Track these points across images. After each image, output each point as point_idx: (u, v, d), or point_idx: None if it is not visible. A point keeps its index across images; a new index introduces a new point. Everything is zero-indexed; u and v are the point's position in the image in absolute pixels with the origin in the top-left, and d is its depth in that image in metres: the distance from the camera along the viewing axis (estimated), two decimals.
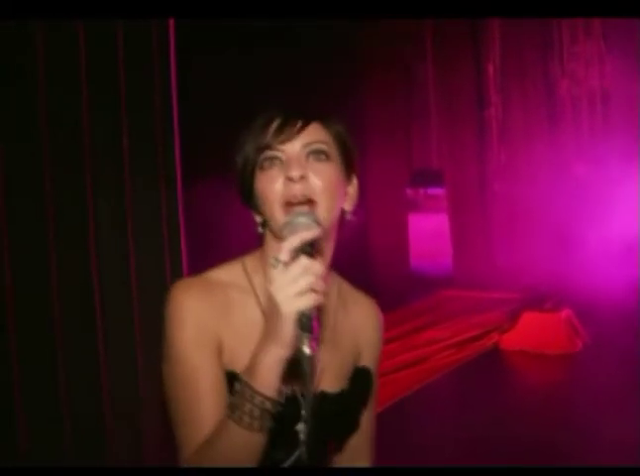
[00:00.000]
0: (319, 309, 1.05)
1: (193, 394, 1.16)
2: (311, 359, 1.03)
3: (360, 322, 1.37)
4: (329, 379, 1.26)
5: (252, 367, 1.07)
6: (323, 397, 1.24)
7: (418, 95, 7.75)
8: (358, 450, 1.40)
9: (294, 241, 1.04)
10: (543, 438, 3.95)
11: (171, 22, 3.19)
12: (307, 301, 1.01)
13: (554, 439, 3.92)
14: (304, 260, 1.02)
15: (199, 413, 1.15)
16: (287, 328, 1.02)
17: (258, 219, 1.26)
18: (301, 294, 1.01)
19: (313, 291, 1.02)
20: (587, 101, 7.36)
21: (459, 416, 4.46)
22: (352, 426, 1.33)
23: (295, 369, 1.07)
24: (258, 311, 1.22)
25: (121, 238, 3.08)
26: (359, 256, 6.40)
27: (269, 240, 1.25)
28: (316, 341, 1.04)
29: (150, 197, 3.16)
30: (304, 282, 1.01)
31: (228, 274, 1.25)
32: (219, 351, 1.19)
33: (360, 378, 1.34)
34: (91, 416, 3.03)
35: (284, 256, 1.03)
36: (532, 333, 5.41)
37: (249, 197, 1.24)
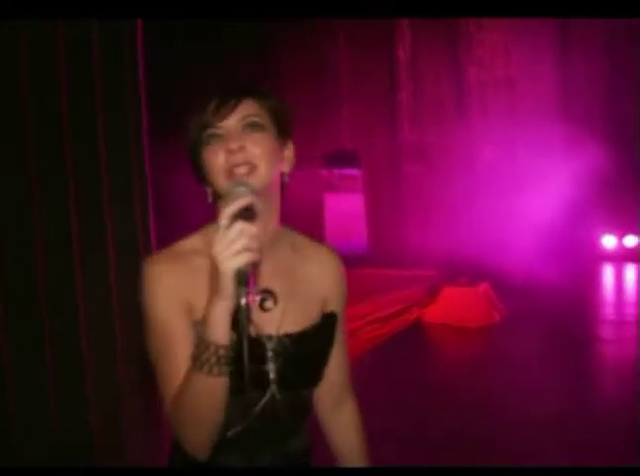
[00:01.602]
0: (254, 265, 1.17)
1: (168, 347, 1.31)
2: (247, 308, 1.17)
3: (318, 270, 1.50)
4: (290, 322, 1.39)
5: (204, 320, 1.21)
6: (286, 337, 1.38)
7: (331, 81, 7.82)
8: (341, 386, 1.58)
9: (233, 207, 1.18)
10: (464, 408, 4.12)
11: (139, 22, 3.33)
12: (242, 259, 1.15)
13: (475, 409, 4.10)
14: (239, 224, 1.16)
15: (175, 363, 1.29)
16: (227, 283, 1.16)
17: (208, 190, 1.38)
18: (237, 253, 1.15)
19: (248, 250, 1.15)
20: (494, 87, 7.67)
21: (384, 389, 4.57)
22: (319, 362, 1.45)
23: (257, 314, 1.24)
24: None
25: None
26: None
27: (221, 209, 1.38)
28: (252, 293, 1.18)
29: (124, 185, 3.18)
30: (239, 243, 1.15)
31: (191, 243, 1.40)
32: (189, 310, 1.32)
33: (325, 320, 1.47)
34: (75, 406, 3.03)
35: (224, 221, 1.17)
36: (452, 307, 5.63)
37: (199, 172, 1.37)
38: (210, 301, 1.19)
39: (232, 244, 1.15)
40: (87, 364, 3.01)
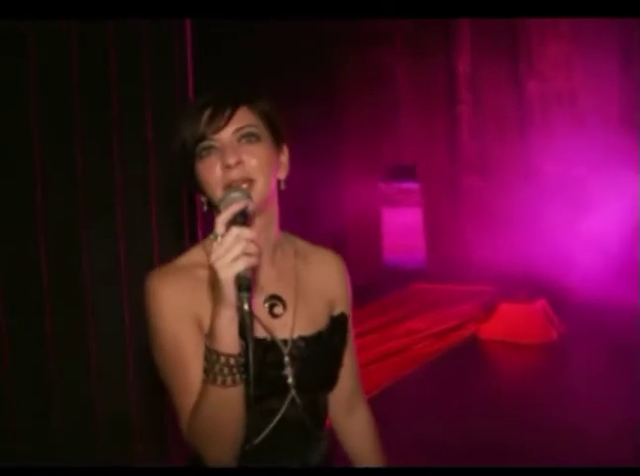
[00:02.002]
0: (253, 270, 1.17)
1: (180, 363, 1.29)
2: (250, 314, 1.15)
3: (323, 274, 1.50)
4: (302, 326, 1.39)
5: (210, 332, 1.19)
6: (301, 339, 1.37)
7: (390, 93, 7.85)
8: (353, 390, 1.57)
9: (225, 214, 1.17)
10: (520, 426, 4.07)
11: (188, 22, 3.29)
12: (241, 265, 1.13)
13: (531, 426, 4.05)
14: (235, 229, 1.14)
15: (188, 379, 1.27)
16: (228, 291, 1.14)
17: (203, 199, 1.38)
18: (235, 259, 1.13)
19: (246, 254, 1.13)
20: (556, 101, 7.56)
21: (439, 405, 4.57)
22: (335, 364, 1.45)
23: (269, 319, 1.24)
24: None
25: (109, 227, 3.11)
26: (333, 249, 6.46)
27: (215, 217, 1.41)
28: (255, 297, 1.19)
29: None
30: (237, 248, 1.13)
31: (192, 257, 1.40)
32: (198, 324, 1.31)
33: (336, 321, 1.47)
34: (81, 411, 3.02)
35: (220, 229, 1.15)
36: (508, 324, 5.57)
37: (191, 182, 1.37)
38: (214, 312, 1.17)
39: (229, 251, 1.12)
40: (94, 364, 3.02)
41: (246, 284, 1.13)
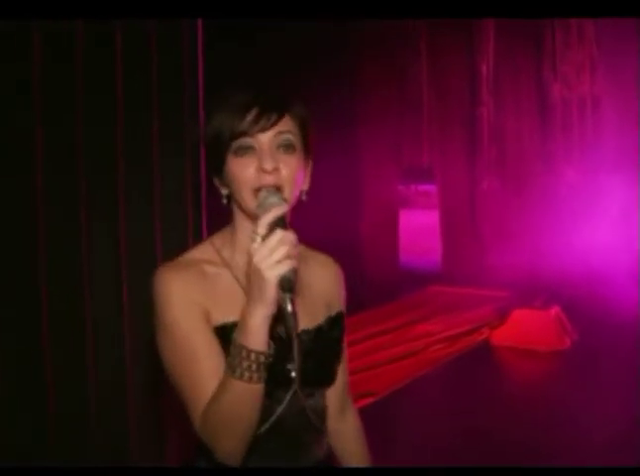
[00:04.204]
0: (295, 272, 1.21)
1: (191, 357, 1.30)
2: (294, 315, 1.21)
3: (320, 276, 1.55)
4: (305, 321, 1.42)
5: (242, 328, 1.21)
6: (305, 333, 1.42)
7: (410, 93, 7.82)
8: (344, 389, 1.61)
9: (269, 217, 1.21)
10: (531, 432, 4.06)
11: (199, 22, 3.29)
12: (285, 267, 1.17)
13: (542, 433, 4.03)
14: (279, 232, 1.18)
15: (200, 373, 1.29)
16: (270, 291, 1.18)
17: (224, 192, 1.40)
18: (280, 261, 1.17)
19: (289, 257, 1.18)
20: (578, 105, 7.49)
21: (450, 408, 4.57)
22: (334, 359, 1.49)
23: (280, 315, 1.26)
24: (230, 280, 1.40)
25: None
26: (350, 251, 6.47)
27: (238, 217, 1.41)
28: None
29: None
30: (281, 250, 1.17)
31: (199, 253, 1.42)
32: (207, 317, 1.33)
33: (333, 320, 1.51)
34: (76, 408, 2.98)
35: (262, 230, 1.19)
36: (522, 330, 5.54)
37: (219, 174, 1.38)
38: (248, 310, 1.19)
39: (273, 252, 1.16)
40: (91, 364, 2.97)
41: (289, 285, 1.18)
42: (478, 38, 7.74)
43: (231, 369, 1.21)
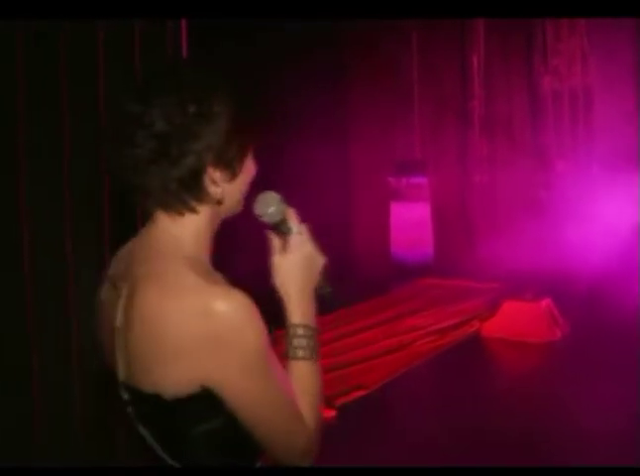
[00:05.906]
0: None
1: (283, 380, 1.22)
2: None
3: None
4: None
5: (311, 312, 1.31)
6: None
7: (402, 86, 7.82)
8: None
9: (292, 212, 1.35)
10: (522, 423, 4.07)
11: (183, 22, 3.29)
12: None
13: (533, 425, 4.05)
14: (303, 227, 1.34)
15: (291, 391, 1.23)
16: (322, 275, 1.33)
17: (217, 190, 1.24)
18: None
19: None
20: (570, 97, 7.51)
21: (441, 400, 4.59)
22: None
23: None
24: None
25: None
26: (341, 243, 6.49)
27: (211, 218, 1.28)
28: None
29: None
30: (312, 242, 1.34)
31: (206, 265, 1.28)
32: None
33: None
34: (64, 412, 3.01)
35: (296, 224, 1.33)
36: (512, 322, 5.55)
37: (231, 166, 1.24)
38: (311, 295, 1.30)
39: (311, 242, 1.32)
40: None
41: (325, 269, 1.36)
42: (469, 31, 7.74)
43: (312, 355, 1.26)
